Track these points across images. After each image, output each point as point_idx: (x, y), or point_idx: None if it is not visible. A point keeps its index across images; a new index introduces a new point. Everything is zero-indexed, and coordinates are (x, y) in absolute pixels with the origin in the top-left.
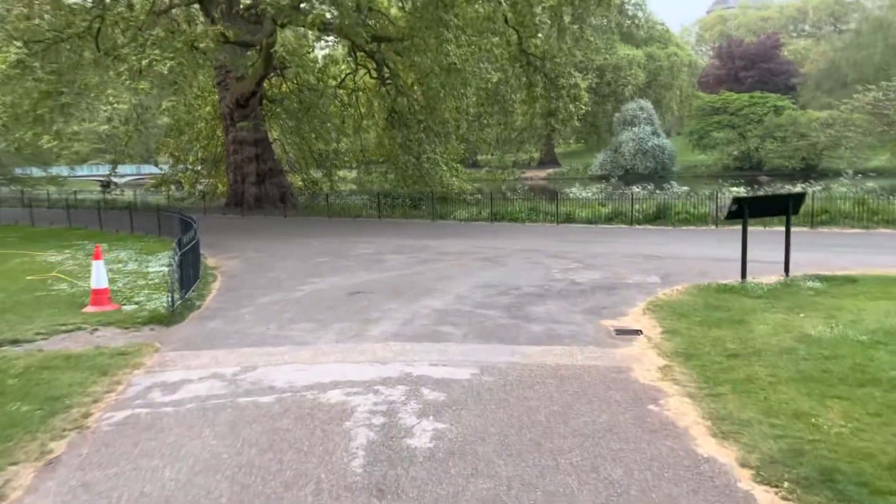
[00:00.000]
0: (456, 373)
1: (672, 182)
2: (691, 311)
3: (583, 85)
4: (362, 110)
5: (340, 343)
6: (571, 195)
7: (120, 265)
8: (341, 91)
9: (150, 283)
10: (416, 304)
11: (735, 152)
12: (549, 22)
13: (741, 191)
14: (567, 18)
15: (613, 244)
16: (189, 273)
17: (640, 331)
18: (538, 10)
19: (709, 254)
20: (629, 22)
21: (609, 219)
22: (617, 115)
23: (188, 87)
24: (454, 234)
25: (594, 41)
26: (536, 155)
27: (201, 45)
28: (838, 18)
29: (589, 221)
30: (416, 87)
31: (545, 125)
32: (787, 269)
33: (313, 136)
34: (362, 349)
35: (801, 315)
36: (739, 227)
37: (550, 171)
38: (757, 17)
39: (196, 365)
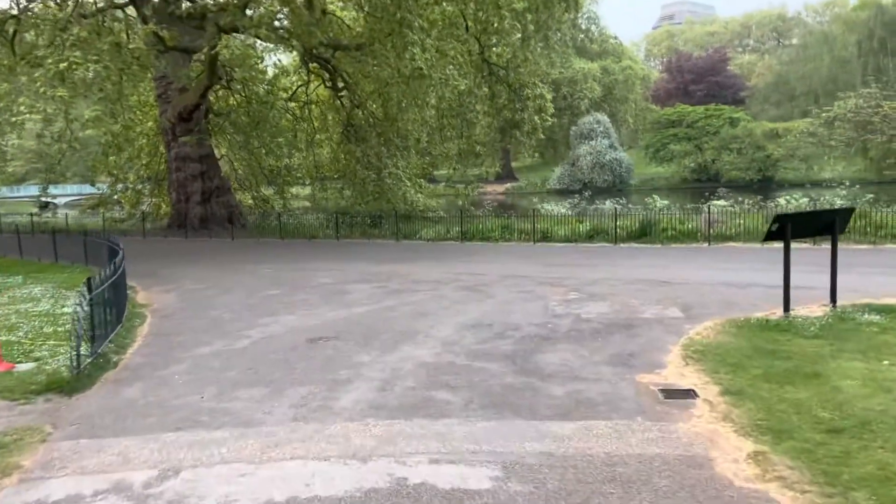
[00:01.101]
0: (470, 476)
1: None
2: (744, 359)
3: (548, 96)
4: (316, 124)
5: (300, 423)
6: (543, 211)
7: (30, 305)
8: (293, 104)
9: (60, 329)
10: (395, 355)
11: (692, 164)
12: (516, 27)
13: (721, 203)
14: (531, 27)
15: (607, 267)
16: (108, 316)
17: (694, 391)
18: (504, 13)
19: (721, 278)
20: (582, 36)
21: (590, 236)
22: (574, 128)
23: (117, 97)
24: (424, 256)
25: (550, 55)
26: (493, 169)
27: (130, 46)
28: (781, 34)
29: (568, 240)
30: (374, 98)
31: (503, 139)
32: (833, 299)
33: (263, 151)
34: (331, 434)
35: (886, 363)
36: (735, 244)
37: (508, 185)
38: (703, 32)
39: (94, 467)
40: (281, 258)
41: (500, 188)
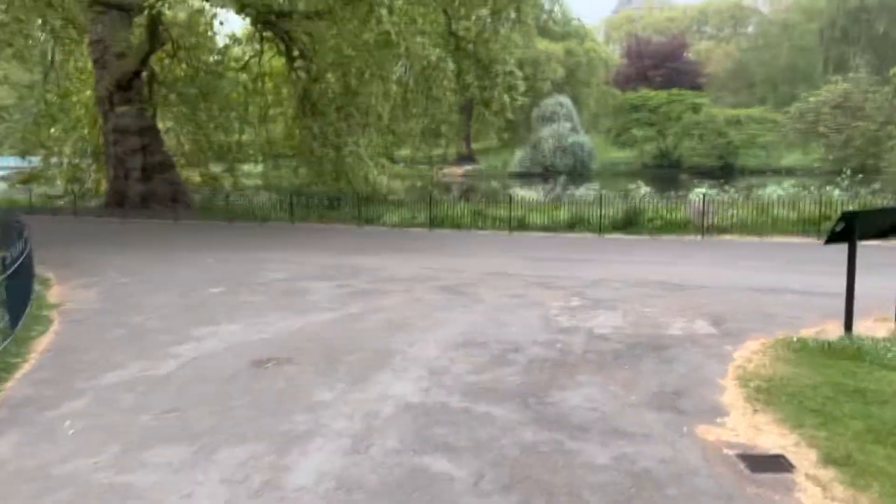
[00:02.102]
0: None
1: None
2: (828, 403)
3: (519, 74)
4: (269, 97)
5: None
6: (517, 197)
7: None
8: (244, 75)
9: None
10: (369, 391)
11: (654, 150)
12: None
13: (705, 190)
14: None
15: (603, 264)
16: None
17: (786, 459)
18: None
19: (740, 280)
20: (545, 16)
21: (570, 226)
22: (536, 110)
23: (30, 52)
24: (391, 246)
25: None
26: (454, 150)
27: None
28: (738, 22)
29: (546, 229)
30: (334, 70)
31: (468, 118)
32: None
33: (212, 125)
34: None
35: None
36: (731, 238)
37: (468, 167)
38: (663, 18)
39: None
40: (227, 245)
41: (460, 170)
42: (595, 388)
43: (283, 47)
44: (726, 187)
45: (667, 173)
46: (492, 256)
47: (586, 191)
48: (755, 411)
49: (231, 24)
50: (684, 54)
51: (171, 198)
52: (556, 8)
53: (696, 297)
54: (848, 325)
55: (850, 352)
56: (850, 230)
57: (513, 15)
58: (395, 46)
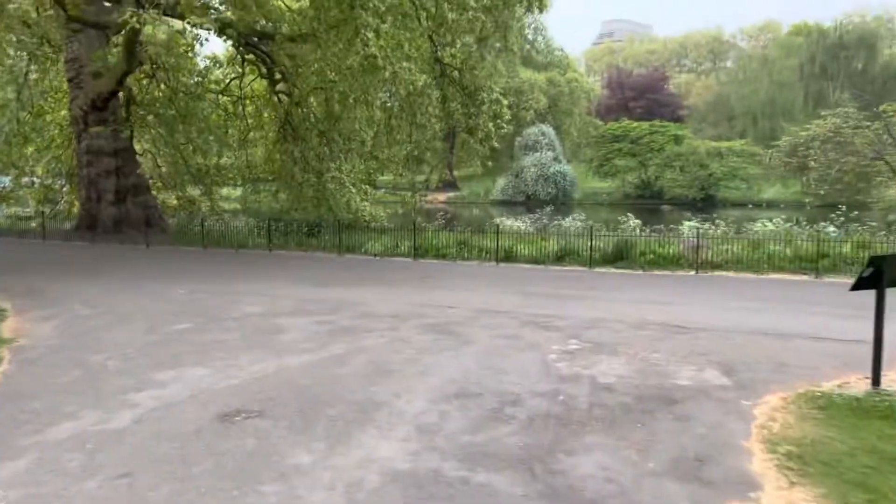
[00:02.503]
0: None
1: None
2: (873, 475)
3: (505, 102)
4: (250, 121)
5: None
6: (504, 227)
7: None
8: (225, 98)
9: None
10: (351, 454)
11: (635, 180)
12: (473, 24)
13: (695, 224)
14: (489, 25)
15: (598, 301)
16: None
17: None
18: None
19: (744, 322)
20: (528, 46)
21: (559, 258)
22: (519, 139)
23: (3, 70)
24: (373, 277)
25: (508, 57)
26: (436, 177)
27: (10, 6)
28: (717, 55)
29: (535, 261)
30: (317, 94)
31: (451, 145)
32: None
33: (191, 148)
34: None
35: None
36: (726, 274)
37: (450, 194)
38: (643, 50)
39: None
40: (200, 274)
41: (442, 197)
42: (607, 451)
43: (264, 70)
44: (717, 221)
45: (647, 204)
46: (480, 291)
47: (573, 221)
48: (791, 484)
49: (212, 46)
50: (665, 86)
51: (144, 221)
52: (539, 38)
53: (700, 341)
54: (876, 379)
55: (881, 410)
56: (878, 275)
57: (498, 44)
58: (380, 71)
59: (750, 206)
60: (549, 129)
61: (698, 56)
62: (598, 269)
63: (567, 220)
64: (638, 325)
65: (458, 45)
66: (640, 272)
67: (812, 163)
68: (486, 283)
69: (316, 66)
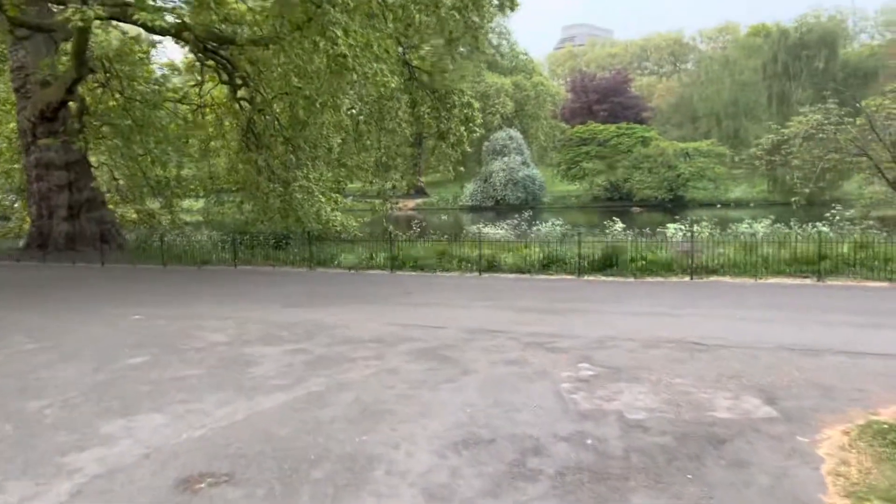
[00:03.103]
0: None
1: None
2: None
3: (476, 105)
4: (210, 130)
5: None
6: (483, 234)
7: None
8: (184, 107)
9: None
10: None
11: (604, 183)
12: (444, 24)
13: (679, 226)
14: (460, 27)
15: (598, 315)
16: None
17: None
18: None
19: (765, 335)
20: (493, 51)
21: (545, 266)
22: (486, 144)
23: None
24: (350, 294)
25: (479, 59)
26: (404, 183)
27: None
28: (678, 58)
29: (520, 270)
30: (282, 99)
31: (420, 150)
32: None
33: (149, 159)
34: None
35: None
36: (723, 279)
37: (419, 200)
38: (605, 54)
39: None
40: (159, 295)
41: (411, 204)
42: None
43: (225, 76)
44: (702, 223)
45: (617, 206)
46: (468, 306)
47: (553, 227)
48: None
49: (170, 54)
50: (628, 89)
51: (100, 238)
52: (504, 43)
53: (724, 360)
54: None
55: None
56: None
57: (468, 46)
58: (350, 72)
59: (718, 205)
60: (516, 134)
61: (659, 58)
62: (587, 278)
63: (546, 225)
64: (650, 342)
65: (426, 48)
66: (633, 280)
67: (795, 160)
68: (473, 298)
69: (279, 70)
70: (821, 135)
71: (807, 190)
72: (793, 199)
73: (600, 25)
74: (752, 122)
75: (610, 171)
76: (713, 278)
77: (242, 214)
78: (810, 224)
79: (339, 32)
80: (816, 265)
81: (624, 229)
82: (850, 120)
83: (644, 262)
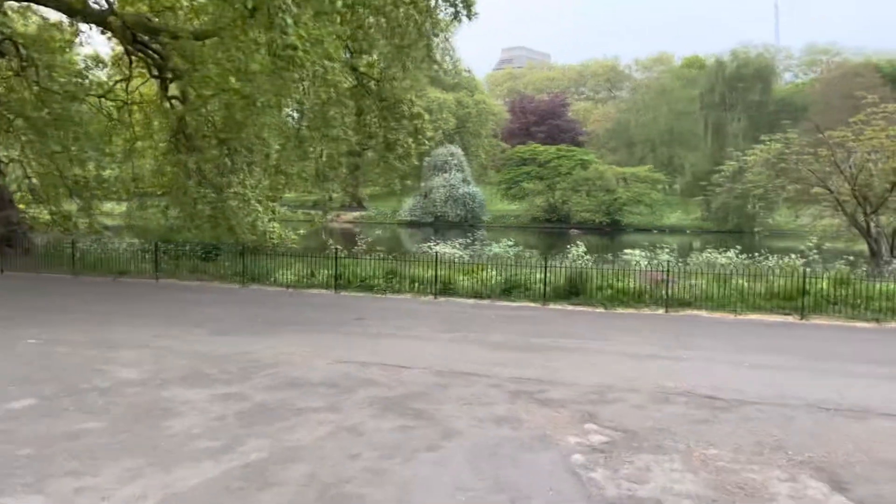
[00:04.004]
0: None
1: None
2: None
3: (426, 117)
4: (137, 128)
5: None
6: (434, 252)
7: None
8: (109, 103)
9: None
10: None
11: (543, 204)
12: (394, 30)
13: (640, 253)
14: (412, 33)
15: (586, 355)
16: None
17: None
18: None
19: (784, 388)
20: (436, 67)
21: (506, 291)
22: (427, 159)
23: None
24: (291, 319)
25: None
26: (342, 195)
27: None
28: (613, 84)
29: (477, 294)
30: (217, 97)
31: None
32: None
33: (67, 157)
34: None
35: None
36: (699, 313)
37: (357, 214)
38: (543, 77)
39: None
40: (64, 313)
41: (348, 216)
42: None
43: (155, 72)
44: (658, 249)
45: (555, 228)
46: (431, 339)
47: (506, 248)
48: None
49: (96, 44)
50: (565, 112)
51: (4, 241)
52: (447, 58)
53: (754, 422)
54: None
55: None
56: None
57: (415, 54)
58: (298, 69)
59: (655, 231)
60: (457, 150)
61: (596, 84)
62: (553, 306)
63: (499, 245)
64: (658, 395)
65: (375, 55)
66: (603, 310)
67: (758, 190)
68: (435, 327)
69: (217, 67)
70: (782, 164)
71: (676, 215)
72: (756, 230)
73: (538, 49)
74: (686, 150)
75: (549, 193)
76: (689, 311)
77: (167, 220)
78: (757, 253)
79: (290, 20)
80: (796, 301)
81: (585, 254)
82: (811, 150)
83: (612, 291)
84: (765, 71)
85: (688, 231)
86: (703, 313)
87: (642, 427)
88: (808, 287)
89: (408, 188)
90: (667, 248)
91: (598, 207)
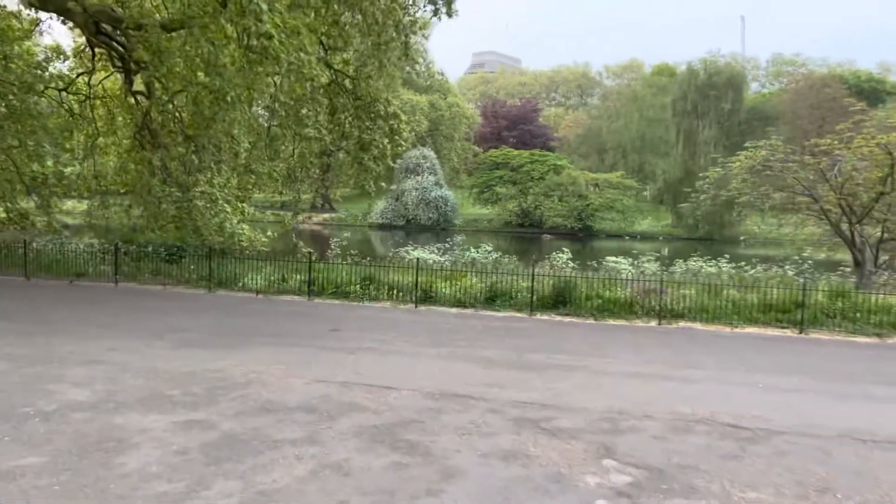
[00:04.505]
0: None
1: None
2: None
3: (403, 117)
4: (99, 124)
5: None
6: (412, 257)
7: None
8: (71, 97)
9: None
10: None
11: (516, 208)
12: (371, 26)
13: (621, 260)
14: (391, 29)
15: (590, 374)
16: None
17: None
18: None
19: (812, 415)
20: (408, 69)
21: (489, 299)
22: (399, 161)
23: None
24: (263, 330)
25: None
26: (310, 196)
27: None
28: (584, 91)
29: (460, 303)
30: (187, 92)
31: (328, 163)
32: None
33: (25, 153)
34: None
35: None
36: (693, 325)
37: (326, 216)
38: (515, 82)
39: None
40: (7, 321)
41: (318, 218)
42: None
43: (119, 65)
44: (648, 258)
45: (529, 233)
46: (417, 354)
47: (485, 254)
48: None
49: (57, 35)
50: (537, 118)
51: None
52: (420, 60)
53: (790, 457)
54: None
55: None
56: None
57: (394, 50)
58: (273, 60)
59: (627, 237)
60: (430, 153)
61: (567, 90)
62: (541, 317)
63: (478, 251)
64: (676, 424)
65: (350, 52)
66: (593, 321)
67: (745, 198)
68: (419, 340)
69: (185, 61)
70: (767, 171)
71: (647, 222)
72: (742, 238)
73: (509, 54)
74: (657, 157)
75: (522, 197)
76: (682, 324)
77: (130, 220)
78: (722, 258)
79: (264, 5)
80: (792, 314)
81: (569, 259)
82: (797, 158)
83: (601, 301)
84: (737, 79)
85: (660, 238)
86: (698, 326)
87: (668, 464)
88: (803, 299)
89: (379, 190)
90: (651, 255)
91: (570, 213)
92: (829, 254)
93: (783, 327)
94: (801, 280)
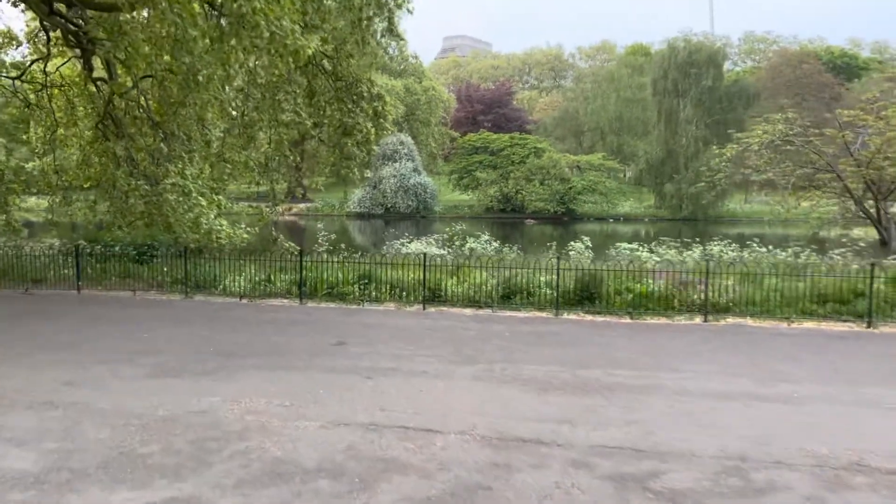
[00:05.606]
0: None
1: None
2: None
3: (388, 99)
4: (58, 114)
5: None
6: (404, 249)
7: None
8: (26, 86)
9: None
10: None
11: (496, 193)
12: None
13: (664, 255)
14: (372, 7)
15: (666, 397)
16: None
17: None
18: None
19: None
20: (382, 52)
21: (504, 297)
22: (376, 148)
23: None
24: (254, 349)
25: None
26: (285, 185)
27: None
28: (557, 73)
29: (473, 303)
30: (152, 74)
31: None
32: None
33: None
34: None
35: None
36: (744, 322)
37: (302, 206)
38: (488, 66)
39: None
40: None
41: (294, 209)
42: None
43: (77, 50)
44: (669, 243)
45: (510, 218)
46: (448, 375)
47: (485, 244)
48: None
49: (7, 19)
50: (511, 101)
51: None
52: (393, 44)
53: None
54: None
55: None
56: None
57: (381, 25)
58: (253, 28)
59: (611, 220)
60: (407, 139)
61: (540, 73)
62: (568, 316)
63: (479, 241)
64: (825, 473)
65: (329, 29)
66: (629, 320)
67: (770, 174)
68: (444, 355)
69: (148, 40)
70: (787, 147)
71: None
72: (766, 220)
73: (480, 38)
74: (636, 138)
75: (503, 182)
76: (730, 320)
77: (96, 217)
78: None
79: None
80: (851, 304)
81: (586, 248)
82: (816, 132)
83: (633, 296)
84: (717, 56)
85: (645, 220)
86: (749, 322)
87: None
88: (862, 288)
89: (354, 178)
90: (666, 240)
91: (552, 197)
92: (844, 232)
93: (845, 321)
94: (871, 266)
